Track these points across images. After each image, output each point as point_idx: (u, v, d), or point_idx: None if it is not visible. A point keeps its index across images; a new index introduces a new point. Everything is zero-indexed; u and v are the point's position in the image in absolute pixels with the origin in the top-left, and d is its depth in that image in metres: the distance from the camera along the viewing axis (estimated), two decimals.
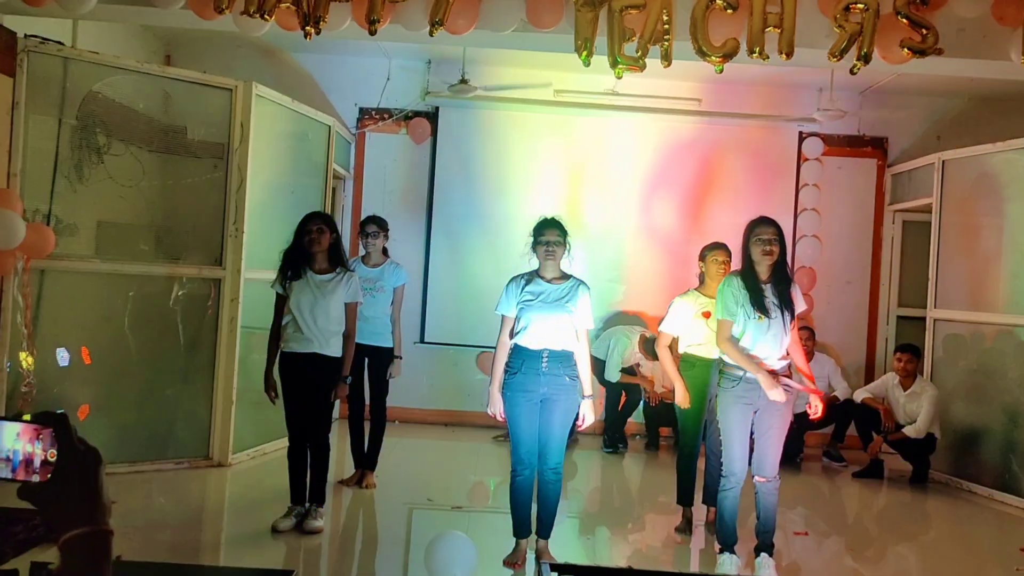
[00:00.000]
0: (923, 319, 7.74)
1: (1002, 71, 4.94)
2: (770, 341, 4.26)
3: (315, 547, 4.58)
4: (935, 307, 7.29)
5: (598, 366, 7.25)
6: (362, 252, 5.82)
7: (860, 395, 7.26)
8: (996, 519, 6.11)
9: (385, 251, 5.79)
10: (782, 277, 4.32)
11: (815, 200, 8.33)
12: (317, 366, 4.64)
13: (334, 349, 4.70)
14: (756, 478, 4.33)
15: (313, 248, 4.67)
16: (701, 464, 5.14)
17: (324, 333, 4.63)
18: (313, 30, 4.41)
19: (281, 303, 4.76)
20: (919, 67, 4.80)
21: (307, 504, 4.73)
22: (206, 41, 7.62)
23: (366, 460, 5.74)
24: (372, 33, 4.34)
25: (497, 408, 4.29)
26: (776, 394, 4.17)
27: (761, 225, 4.33)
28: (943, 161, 7.31)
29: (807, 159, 8.32)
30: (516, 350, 4.28)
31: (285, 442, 4.87)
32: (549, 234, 4.28)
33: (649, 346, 7.44)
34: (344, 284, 4.71)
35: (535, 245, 4.32)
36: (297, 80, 8.10)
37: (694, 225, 8.17)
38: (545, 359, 4.22)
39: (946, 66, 4.97)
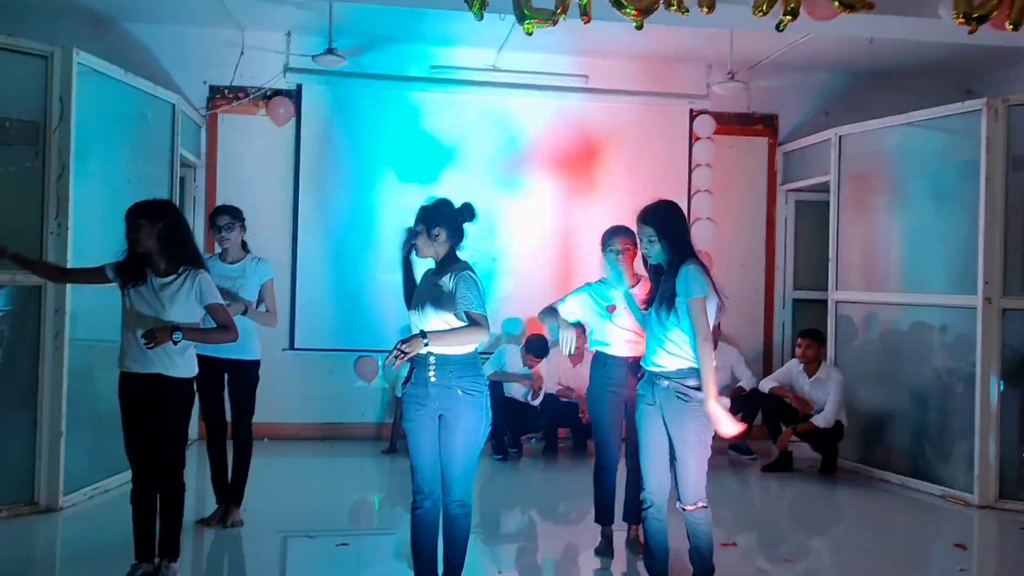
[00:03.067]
0: (818, 302, 7.51)
1: (930, 31, 4.58)
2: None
3: None
4: (836, 289, 7.02)
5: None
6: (218, 249, 4.95)
7: (767, 385, 6.91)
8: (917, 509, 5.83)
9: (244, 245, 4.95)
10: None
11: (708, 181, 7.92)
12: (160, 390, 3.76)
13: (182, 369, 3.82)
14: (678, 505, 3.73)
15: (136, 249, 3.79)
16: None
17: (166, 350, 3.74)
18: None
19: (98, 271, 3.90)
20: (845, 26, 4.36)
21: (156, 559, 3.85)
22: (16, 8, 6.46)
23: (230, 493, 4.87)
24: None
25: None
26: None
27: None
28: (840, 137, 7.03)
29: (699, 138, 7.91)
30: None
31: (130, 477, 3.94)
32: (416, 223, 3.64)
33: (533, 347, 6.96)
34: (188, 287, 3.81)
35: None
36: (134, 54, 7.03)
37: (583, 209, 7.63)
38: (432, 367, 3.50)
39: (869, 26, 4.56)
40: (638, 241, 3.79)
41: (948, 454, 6.05)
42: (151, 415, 3.76)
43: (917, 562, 4.84)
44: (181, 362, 3.81)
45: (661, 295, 3.67)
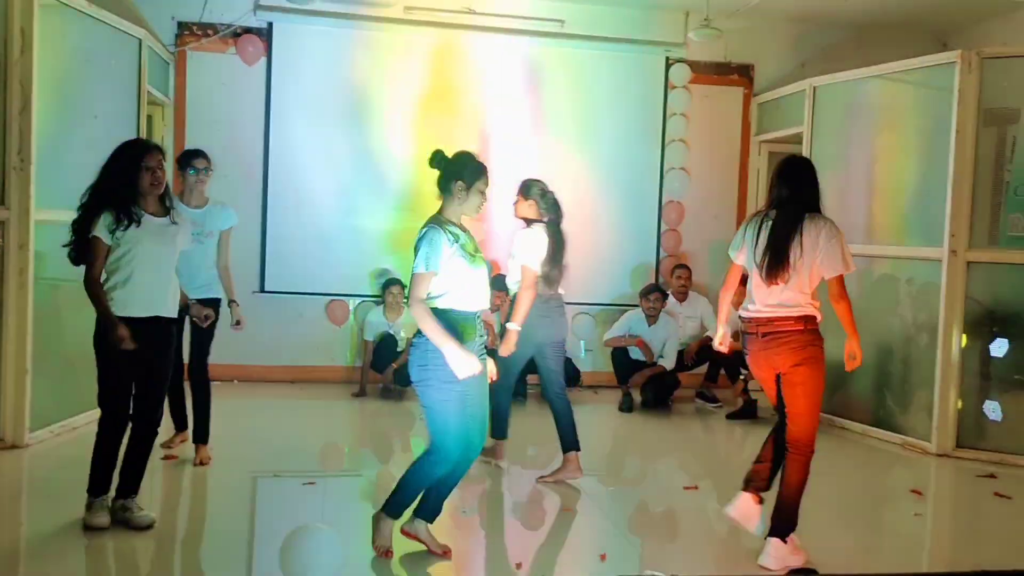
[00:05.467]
0: None
1: None
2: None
3: (138, 549, 3.72)
4: None
5: None
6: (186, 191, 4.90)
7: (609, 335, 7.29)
8: (876, 456, 5.96)
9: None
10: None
11: (683, 131, 7.92)
12: (159, 332, 3.83)
13: (172, 309, 3.92)
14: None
15: (155, 190, 3.79)
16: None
17: (171, 291, 3.87)
18: None
19: (102, 251, 3.69)
20: None
21: (126, 498, 3.85)
22: None
23: (196, 433, 4.90)
24: None
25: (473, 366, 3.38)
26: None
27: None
28: (814, 88, 7.02)
29: (674, 87, 7.87)
30: (446, 316, 3.41)
31: (96, 414, 3.89)
32: (487, 184, 3.54)
33: (496, 284, 7.01)
34: (183, 231, 3.93)
35: (471, 190, 3.48)
36: None
37: (556, 155, 7.58)
38: (479, 322, 3.57)
39: None
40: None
41: (909, 404, 6.17)
42: (151, 356, 3.78)
43: (874, 507, 4.95)
44: (173, 303, 3.92)
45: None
